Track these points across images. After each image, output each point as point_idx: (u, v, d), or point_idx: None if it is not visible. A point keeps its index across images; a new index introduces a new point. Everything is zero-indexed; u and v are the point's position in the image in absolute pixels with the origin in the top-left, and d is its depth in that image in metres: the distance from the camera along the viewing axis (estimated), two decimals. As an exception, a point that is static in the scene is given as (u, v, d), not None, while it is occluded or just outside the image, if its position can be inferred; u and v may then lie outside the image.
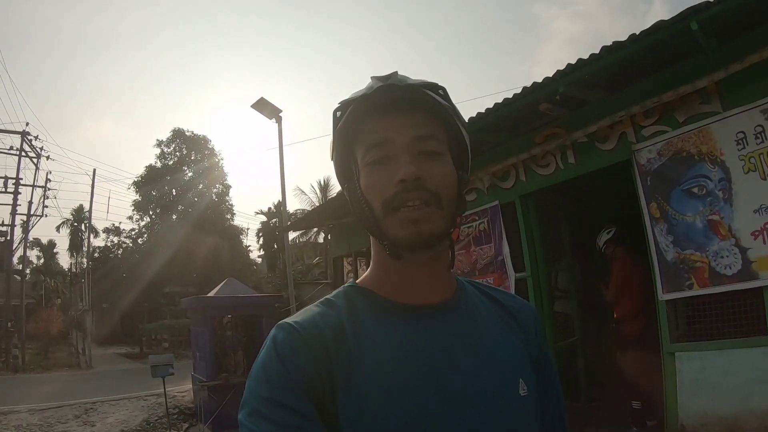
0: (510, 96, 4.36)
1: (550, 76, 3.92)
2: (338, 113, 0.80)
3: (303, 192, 29.63)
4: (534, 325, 0.91)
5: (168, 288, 24.08)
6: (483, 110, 4.69)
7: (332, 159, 0.84)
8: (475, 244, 5.84)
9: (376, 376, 0.72)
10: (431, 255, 0.78)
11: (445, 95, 0.81)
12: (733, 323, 3.51)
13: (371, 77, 0.78)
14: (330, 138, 0.83)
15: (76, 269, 30.35)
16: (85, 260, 24.49)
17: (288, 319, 0.77)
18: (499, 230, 5.48)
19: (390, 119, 0.77)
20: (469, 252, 5.91)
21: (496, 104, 4.48)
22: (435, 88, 0.80)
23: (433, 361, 0.75)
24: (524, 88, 4.15)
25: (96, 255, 26.56)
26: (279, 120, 11.50)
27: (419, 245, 0.74)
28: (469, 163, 0.85)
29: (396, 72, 0.78)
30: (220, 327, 8.31)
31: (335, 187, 20.32)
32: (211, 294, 9.11)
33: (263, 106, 11.20)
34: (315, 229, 31.48)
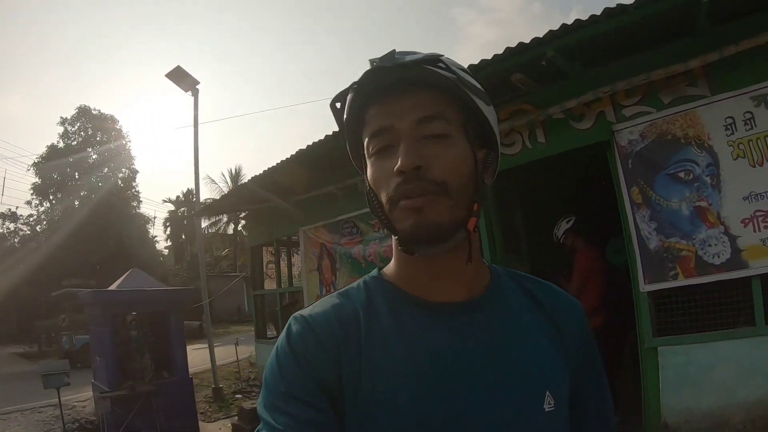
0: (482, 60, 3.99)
1: (541, 36, 3.60)
2: (338, 104, 0.77)
3: (213, 181, 28.40)
4: (576, 327, 0.83)
5: (66, 281, 21.97)
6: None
7: (348, 151, 0.82)
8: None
9: (384, 379, 0.69)
10: (445, 248, 0.71)
11: (449, 66, 0.72)
12: (718, 315, 3.39)
13: (369, 60, 0.72)
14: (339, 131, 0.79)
15: None
16: None
17: (304, 311, 0.77)
18: None
19: (389, 104, 0.72)
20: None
21: (470, 66, 4.10)
22: (434, 60, 0.71)
23: (448, 367, 0.71)
24: (507, 49, 3.80)
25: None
26: (196, 93, 10.69)
27: (424, 237, 0.70)
28: (495, 138, 0.77)
29: (393, 51, 0.72)
30: (123, 326, 7.29)
31: (247, 177, 19.39)
32: (112, 287, 8.06)
33: (179, 77, 10.32)
34: (224, 220, 30.32)
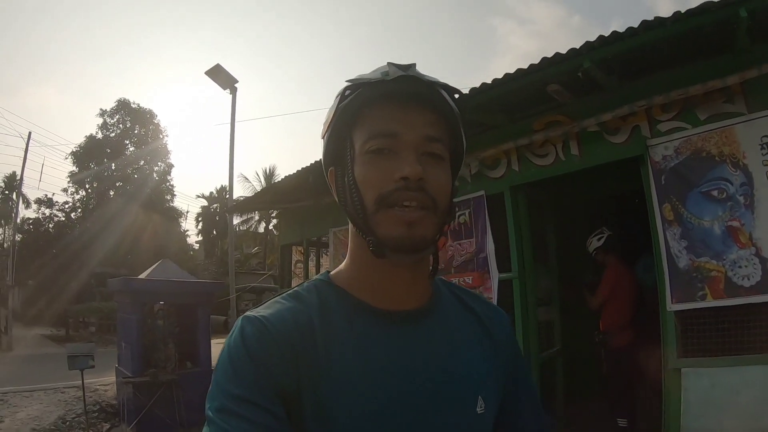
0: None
1: (577, 48, 3.63)
2: (347, 92, 0.78)
3: (247, 179, 28.88)
4: (505, 335, 0.92)
5: (99, 268, 22.74)
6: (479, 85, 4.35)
7: (323, 137, 0.83)
8: (452, 239, 5.51)
9: (342, 383, 0.72)
10: (416, 258, 0.77)
11: (459, 103, 0.80)
12: (747, 338, 3.35)
13: (388, 63, 0.77)
14: (328, 115, 0.81)
15: (4, 242, 28.11)
16: (13, 233, 22.63)
17: (256, 312, 0.76)
18: (482, 224, 5.18)
19: (403, 112, 0.76)
20: (444, 247, 5.59)
21: (495, 80, 4.16)
22: (451, 90, 0.79)
23: (399, 373, 0.75)
24: (543, 59, 3.84)
25: (26, 228, 24.77)
26: (234, 91, 11.01)
27: (409, 249, 0.74)
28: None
29: (414, 64, 0.77)
30: (151, 315, 7.55)
31: (280, 177, 19.70)
32: (142, 276, 8.34)
33: (218, 74, 10.67)
34: (256, 219, 30.84)
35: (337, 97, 0.79)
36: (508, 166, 4.95)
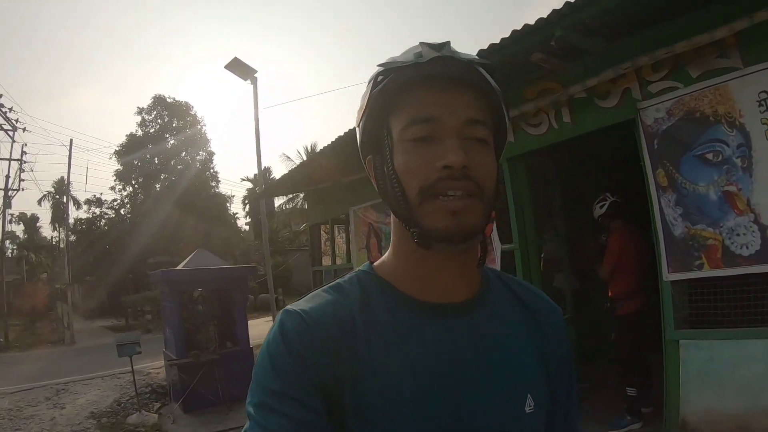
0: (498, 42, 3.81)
1: (545, 17, 3.39)
2: (380, 77, 0.72)
3: (289, 158, 29.15)
4: (557, 334, 0.84)
5: (152, 259, 23.77)
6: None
7: (358, 125, 0.78)
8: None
9: (385, 380, 0.68)
10: (464, 248, 0.72)
11: (497, 78, 0.75)
12: (746, 310, 3.13)
13: (421, 43, 0.72)
14: (362, 102, 0.75)
15: (59, 242, 29.94)
16: (65, 233, 24.02)
17: (296, 306, 0.73)
18: None
19: (441, 95, 0.70)
20: (490, 233, 5.49)
21: (480, 51, 3.95)
22: (490, 67, 0.74)
23: (446, 369, 0.71)
24: (513, 32, 3.61)
25: (79, 227, 26.13)
26: (254, 81, 11.04)
27: (457, 239, 0.69)
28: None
29: (449, 42, 0.72)
30: (191, 301, 7.89)
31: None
32: (180, 266, 8.67)
33: (237, 67, 10.67)
34: (302, 196, 31.23)
35: (369, 82, 0.74)
36: (505, 137, 4.76)
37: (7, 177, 20.01)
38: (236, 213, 32.36)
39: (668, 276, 3.44)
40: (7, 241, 22.34)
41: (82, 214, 28.02)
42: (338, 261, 9.08)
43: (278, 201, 32.04)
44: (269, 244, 27.65)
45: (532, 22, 3.51)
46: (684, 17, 3.34)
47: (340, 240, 9.60)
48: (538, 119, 4.40)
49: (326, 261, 9.61)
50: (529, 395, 0.75)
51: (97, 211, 27.05)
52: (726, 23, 3.06)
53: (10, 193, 20.03)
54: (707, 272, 3.26)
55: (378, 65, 0.73)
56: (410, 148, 0.70)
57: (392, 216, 0.76)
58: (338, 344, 0.69)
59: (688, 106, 3.36)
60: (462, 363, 0.72)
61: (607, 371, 4.85)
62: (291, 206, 31.15)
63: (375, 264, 0.80)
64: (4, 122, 19.38)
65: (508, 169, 4.77)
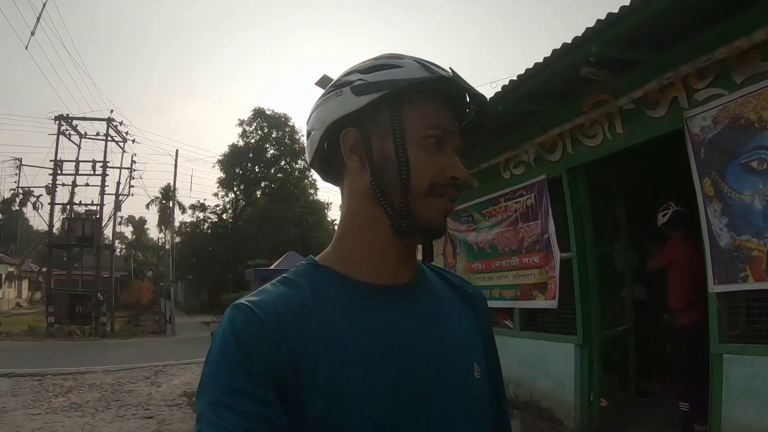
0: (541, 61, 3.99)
1: (580, 35, 3.52)
2: (427, 73, 0.77)
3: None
4: (485, 311, 0.95)
5: (252, 261, 25.56)
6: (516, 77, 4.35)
7: (359, 94, 0.77)
8: (522, 221, 5.55)
9: (341, 362, 0.70)
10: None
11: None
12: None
13: (450, 68, 0.80)
14: (383, 76, 0.77)
15: (165, 243, 33.14)
16: (171, 235, 26.59)
17: (246, 300, 0.73)
18: (545, 206, 5.16)
19: (453, 115, 0.80)
20: (516, 229, 5.64)
21: (527, 70, 4.12)
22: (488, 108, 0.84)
23: (398, 344, 0.75)
24: (553, 51, 3.76)
25: (183, 230, 28.77)
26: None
27: (438, 236, 0.80)
28: None
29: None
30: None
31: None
32: (272, 266, 9.50)
33: (326, 84, 11.32)
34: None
35: (392, 68, 0.78)
36: (563, 149, 4.87)
37: (118, 183, 22.36)
38: (334, 220, 33.85)
39: (714, 288, 3.39)
40: (117, 241, 25.20)
41: (187, 218, 30.76)
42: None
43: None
44: None
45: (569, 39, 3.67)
46: (724, 22, 3.30)
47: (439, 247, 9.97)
48: (594, 130, 4.46)
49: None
50: (475, 363, 0.83)
51: (201, 215, 29.62)
52: (765, 25, 3.02)
53: (120, 198, 22.31)
54: (751, 285, 3.18)
55: (417, 60, 0.79)
56: (427, 146, 0.77)
57: (353, 203, 0.81)
58: (290, 332, 0.70)
59: (733, 113, 3.31)
60: (412, 337, 0.76)
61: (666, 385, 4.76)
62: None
63: (316, 257, 0.84)
64: (116, 134, 21.73)
65: (567, 180, 4.86)
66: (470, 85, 0.80)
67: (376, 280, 0.79)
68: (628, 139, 4.13)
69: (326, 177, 0.90)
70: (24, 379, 8.84)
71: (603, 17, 3.37)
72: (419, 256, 1.00)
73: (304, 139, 1.06)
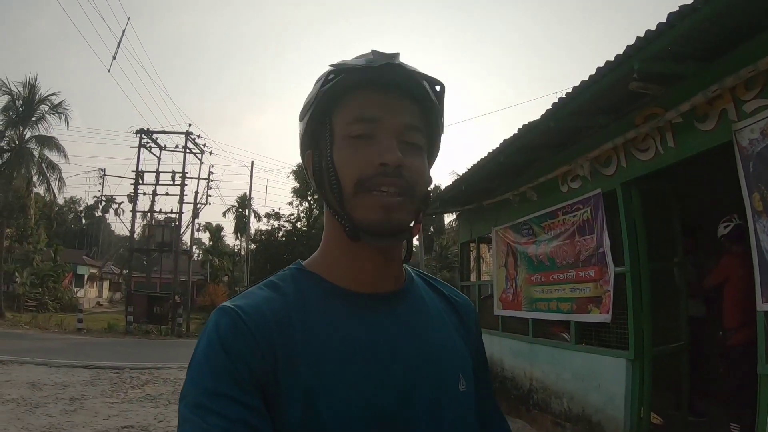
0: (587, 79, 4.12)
1: (621, 53, 3.65)
2: (331, 76, 0.77)
3: (457, 174, 30.01)
4: (475, 323, 0.95)
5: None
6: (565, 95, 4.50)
7: (301, 119, 0.82)
8: (579, 234, 5.63)
9: (322, 368, 0.71)
10: (393, 242, 0.78)
11: (440, 94, 0.82)
12: None
13: (372, 51, 0.78)
14: (308, 98, 0.81)
15: (240, 250, 34.73)
16: (246, 242, 27.94)
17: (231, 303, 0.75)
18: (601, 220, 5.24)
19: (385, 98, 0.78)
20: (573, 242, 5.72)
21: (574, 87, 4.27)
22: (434, 83, 0.81)
23: (380, 354, 0.75)
24: (597, 69, 3.89)
25: (258, 237, 30.10)
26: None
27: (386, 233, 0.75)
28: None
29: (398, 53, 0.77)
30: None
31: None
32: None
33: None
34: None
35: (318, 81, 0.79)
36: (618, 163, 4.94)
37: (196, 193, 23.93)
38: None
39: (762, 306, 3.37)
40: (194, 247, 26.90)
41: (262, 226, 31.96)
42: (484, 277, 9.61)
43: (447, 218, 33.50)
44: (439, 260, 28.68)
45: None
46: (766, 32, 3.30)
47: (489, 257, 10.09)
48: (646, 144, 4.51)
49: (473, 277, 10.20)
50: (460, 375, 0.83)
51: (276, 223, 30.70)
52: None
53: (198, 206, 23.86)
54: (799, 303, 3.19)
55: (329, 65, 0.79)
56: (351, 143, 0.76)
57: (325, 212, 0.83)
58: (275, 337, 0.71)
59: (781, 125, 3.33)
60: (396, 347, 0.77)
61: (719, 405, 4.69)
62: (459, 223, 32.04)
63: (305, 262, 0.85)
64: (194, 147, 23.22)
65: (621, 194, 4.90)
66: (383, 57, 0.76)
67: (357, 288, 0.80)
68: (680, 153, 4.16)
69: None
70: (103, 371, 9.67)
71: (642, 34, 3.47)
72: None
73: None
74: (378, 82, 0.77)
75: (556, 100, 4.66)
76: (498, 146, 6.08)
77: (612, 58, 3.79)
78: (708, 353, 5.09)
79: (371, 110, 0.76)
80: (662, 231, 4.99)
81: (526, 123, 5.29)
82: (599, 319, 5.16)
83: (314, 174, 0.80)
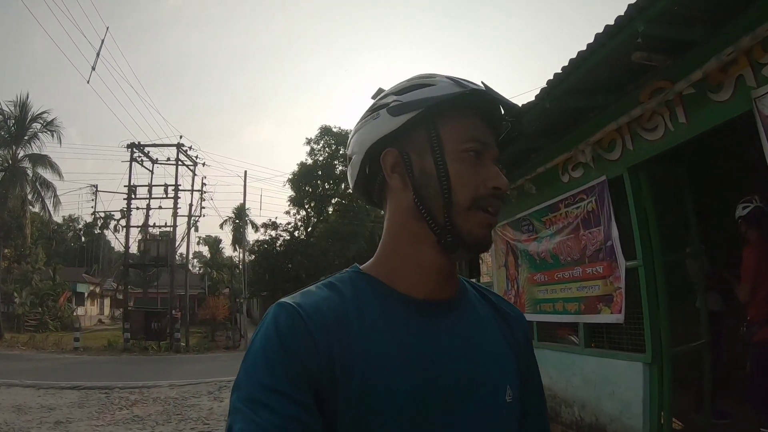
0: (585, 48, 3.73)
1: (623, 14, 3.26)
2: (458, 88, 0.79)
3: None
4: (524, 334, 0.96)
5: (324, 276, 26.15)
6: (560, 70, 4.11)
7: (394, 114, 0.80)
8: (583, 228, 5.22)
9: (375, 373, 0.72)
10: (471, 257, 0.89)
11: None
12: None
13: (482, 82, 0.82)
14: (418, 95, 0.80)
15: (239, 261, 34.61)
16: (243, 253, 27.75)
17: (290, 299, 0.76)
18: (607, 210, 4.82)
19: (490, 127, 0.83)
20: (578, 237, 5.31)
21: (571, 60, 3.89)
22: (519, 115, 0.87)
23: (433, 360, 0.76)
24: (597, 36, 3.51)
25: (257, 248, 29.92)
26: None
27: (483, 249, 0.81)
28: None
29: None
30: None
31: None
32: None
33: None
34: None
35: (424, 86, 0.81)
36: (623, 146, 4.54)
37: (190, 205, 23.90)
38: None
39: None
40: (195, 260, 26.77)
41: (260, 236, 31.86)
42: (486, 279, 9.15)
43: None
44: None
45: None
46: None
47: (489, 258, 9.66)
48: (653, 122, 4.10)
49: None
50: (508, 386, 0.83)
51: (273, 233, 30.66)
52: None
53: (192, 219, 23.79)
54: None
55: (449, 77, 0.82)
56: (467, 159, 0.79)
57: (394, 215, 0.84)
58: (332, 337, 0.72)
59: (809, 88, 2.94)
60: (448, 354, 0.78)
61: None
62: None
63: (362, 266, 0.86)
64: (186, 159, 23.14)
65: (629, 180, 4.52)
66: (503, 96, 0.81)
67: (417, 294, 0.81)
68: (692, 129, 3.76)
69: (369, 200, 0.93)
70: (92, 392, 9.40)
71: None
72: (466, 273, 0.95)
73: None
74: (488, 110, 0.83)
75: (551, 77, 4.26)
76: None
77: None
78: (728, 350, 4.66)
79: (484, 134, 0.81)
80: (675, 219, 4.58)
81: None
82: (611, 320, 4.75)
83: (415, 179, 0.80)
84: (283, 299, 0.76)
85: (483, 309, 0.90)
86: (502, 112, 0.84)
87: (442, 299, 0.83)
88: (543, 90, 4.42)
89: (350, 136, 0.89)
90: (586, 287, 5.17)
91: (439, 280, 0.82)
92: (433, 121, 0.80)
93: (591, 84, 4.30)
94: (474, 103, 0.81)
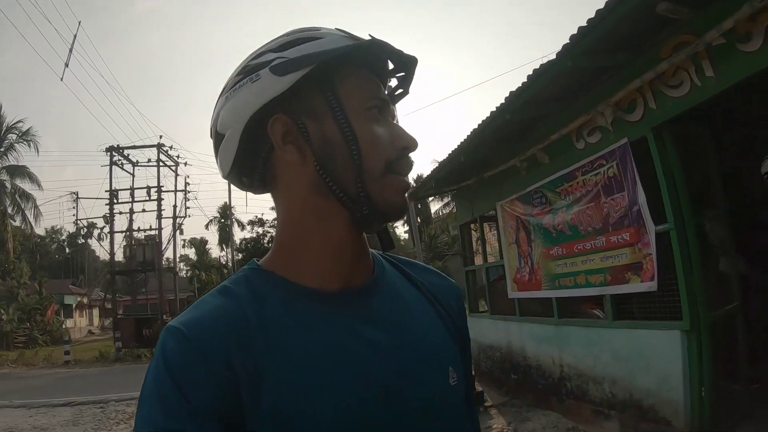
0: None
1: None
2: (352, 41, 0.73)
3: (438, 162, 29.92)
4: (457, 306, 0.89)
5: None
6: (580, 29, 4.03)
7: (279, 73, 0.70)
8: (605, 195, 5.17)
9: (290, 378, 0.66)
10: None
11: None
12: None
13: (370, 35, 0.74)
14: (305, 50, 0.71)
15: (227, 261, 34.55)
16: (231, 252, 27.68)
17: (177, 321, 0.68)
18: (632, 174, 4.76)
19: (382, 84, 0.78)
20: (599, 204, 5.26)
21: (589, 20, 3.82)
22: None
23: (357, 353, 0.71)
24: None
25: (245, 246, 29.83)
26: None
27: (399, 218, 0.76)
28: None
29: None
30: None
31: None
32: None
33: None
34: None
35: (316, 38, 0.73)
36: (645, 105, 4.48)
37: (175, 206, 23.88)
38: (395, 225, 34.04)
39: None
40: (182, 263, 26.66)
41: (247, 234, 32.06)
42: (491, 259, 9.10)
43: (434, 207, 33.32)
44: (428, 249, 28.77)
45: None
46: None
47: (492, 237, 9.59)
48: (678, 78, 4.05)
49: (478, 260, 9.70)
50: (450, 368, 0.78)
51: (260, 230, 30.65)
52: None
53: (178, 220, 23.85)
54: None
55: (337, 28, 0.76)
56: (374, 118, 0.73)
57: (292, 198, 0.75)
58: (231, 352, 0.66)
59: None
60: (377, 345, 0.72)
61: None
62: (447, 211, 31.91)
63: (261, 261, 0.79)
64: (167, 159, 23.00)
65: (654, 140, 4.44)
66: (399, 49, 0.75)
67: (328, 286, 0.74)
68: (721, 83, 3.72)
69: (250, 184, 0.81)
70: (86, 408, 9.20)
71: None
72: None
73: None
74: (375, 66, 0.76)
75: (568, 40, 4.18)
76: (502, 102, 5.57)
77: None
78: (758, 315, 4.66)
79: (381, 91, 0.75)
80: (702, 180, 4.55)
81: (536, 68, 4.78)
82: (642, 288, 4.71)
83: (318, 146, 0.72)
84: (171, 321, 0.70)
85: (405, 286, 0.84)
86: (390, 67, 0.79)
87: (358, 285, 0.77)
88: (565, 47, 4.33)
89: (216, 109, 0.76)
90: (612, 257, 5.13)
91: (352, 264, 0.76)
92: (328, 79, 0.72)
93: (612, 42, 4.23)
94: (368, 56, 0.74)
